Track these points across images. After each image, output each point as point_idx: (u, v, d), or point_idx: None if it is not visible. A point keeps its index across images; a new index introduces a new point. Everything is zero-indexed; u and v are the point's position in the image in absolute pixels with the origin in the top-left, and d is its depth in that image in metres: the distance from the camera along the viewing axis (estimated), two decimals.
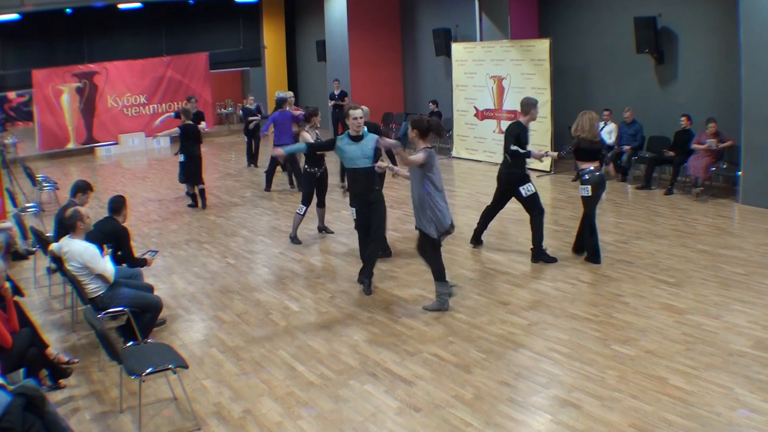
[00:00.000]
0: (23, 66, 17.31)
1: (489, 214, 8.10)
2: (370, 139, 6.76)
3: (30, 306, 6.58)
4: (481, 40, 14.14)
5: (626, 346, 5.42)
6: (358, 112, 6.70)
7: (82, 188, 7.13)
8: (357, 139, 6.72)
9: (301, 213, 8.73)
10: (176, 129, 10.92)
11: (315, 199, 8.84)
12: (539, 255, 7.56)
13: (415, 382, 5.03)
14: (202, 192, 11.15)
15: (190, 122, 10.92)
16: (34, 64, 17.25)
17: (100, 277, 5.68)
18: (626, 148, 11.19)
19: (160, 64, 18.81)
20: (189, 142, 10.77)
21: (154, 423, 4.66)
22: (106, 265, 5.70)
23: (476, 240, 8.24)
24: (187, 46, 19.53)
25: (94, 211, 8.11)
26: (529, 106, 7.58)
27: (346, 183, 8.32)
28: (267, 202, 11.44)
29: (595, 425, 4.33)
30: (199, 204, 11.13)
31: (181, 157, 10.97)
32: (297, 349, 5.71)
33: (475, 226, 8.25)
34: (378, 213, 6.88)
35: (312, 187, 8.67)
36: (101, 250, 5.79)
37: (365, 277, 6.95)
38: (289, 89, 21.65)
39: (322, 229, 9.23)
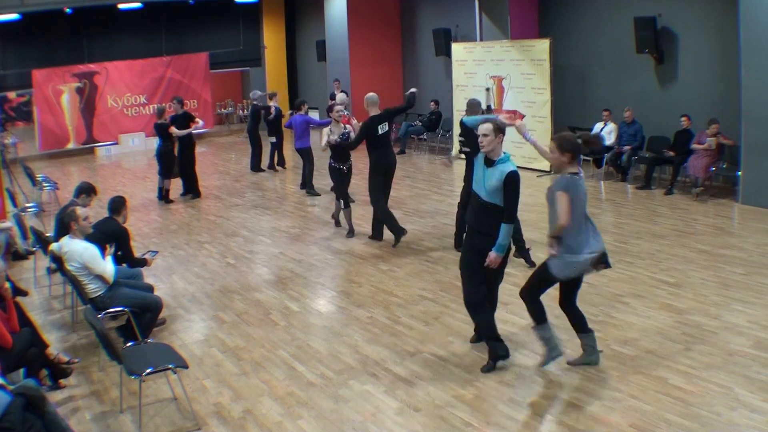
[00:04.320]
0: (23, 66, 17.30)
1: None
2: (501, 172, 4.87)
3: (30, 306, 6.58)
4: (481, 40, 14.13)
5: (626, 346, 5.42)
6: (484, 127, 4.92)
7: (86, 190, 7.13)
8: (489, 163, 4.98)
9: (342, 207, 8.93)
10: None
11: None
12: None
13: (415, 382, 5.03)
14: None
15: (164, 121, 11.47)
16: (34, 64, 17.24)
17: (100, 277, 5.68)
18: (626, 148, 11.19)
19: (160, 64, 18.80)
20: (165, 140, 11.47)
21: (154, 423, 4.66)
22: (105, 266, 5.69)
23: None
24: (187, 46, 19.52)
25: (95, 211, 8.11)
26: (474, 106, 7.59)
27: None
28: (267, 203, 11.43)
29: (595, 425, 4.33)
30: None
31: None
32: (297, 349, 5.71)
33: None
34: (495, 269, 5.08)
35: (342, 182, 8.81)
36: (102, 250, 5.79)
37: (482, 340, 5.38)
38: (289, 89, 21.69)
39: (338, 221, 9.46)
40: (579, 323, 5.09)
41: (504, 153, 4.99)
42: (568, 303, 5.09)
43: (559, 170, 4.88)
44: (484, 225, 5.01)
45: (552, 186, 4.89)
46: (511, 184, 4.86)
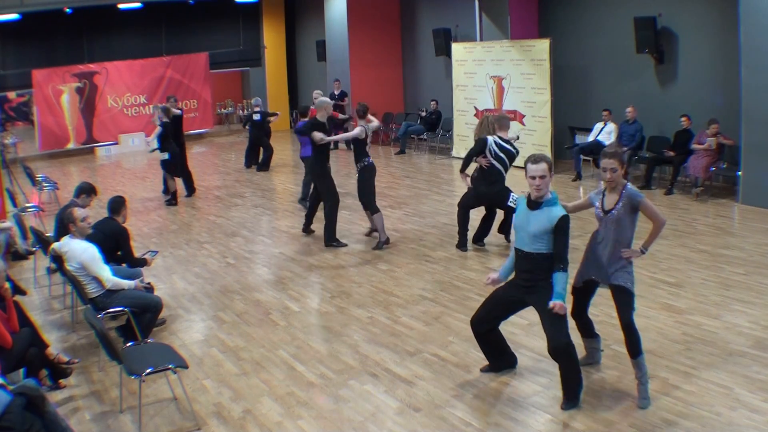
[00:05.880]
0: (23, 66, 17.31)
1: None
2: (553, 216, 4.45)
3: (30, 306, 6.58)
4: (481, 40, 14.14)
5: None
6: (540, 169, 4.46)
7: (86, 190, 7.13)
8: (534, 205, 4.56)
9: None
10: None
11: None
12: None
13: (415, 382, 5.03)
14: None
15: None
16: (34, 64, 17.26)
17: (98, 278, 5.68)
18: (625, 148, 11.18)
19: (160, 64, 18.81)
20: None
21: (154, 423, 4.66)
22: (103, 269, 5.69)
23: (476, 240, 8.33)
24: (187, 46, 19.54)
25: (94, 211, 8.11)
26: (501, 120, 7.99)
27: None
28: (267, 203, 11.44)
29: (595, 425, 4.33)
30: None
31: (166, 155, 11.22)
32: (297, 349, 5.71)
33: (477, 225, 8.26)
34: (549, 319, 4.52)
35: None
36: (102, 252, 5.78)
37: None
38: (289, 89, 21.69)
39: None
40: (589, 329, 5.09)
41: (551, 193, 4.54)
42: (583, 311, 5.03)
43: (616, 185, 4.57)
44: (531, 278, 4.60)
45: (624, 203, 4.54)
46: (564, 228, 4.45)
